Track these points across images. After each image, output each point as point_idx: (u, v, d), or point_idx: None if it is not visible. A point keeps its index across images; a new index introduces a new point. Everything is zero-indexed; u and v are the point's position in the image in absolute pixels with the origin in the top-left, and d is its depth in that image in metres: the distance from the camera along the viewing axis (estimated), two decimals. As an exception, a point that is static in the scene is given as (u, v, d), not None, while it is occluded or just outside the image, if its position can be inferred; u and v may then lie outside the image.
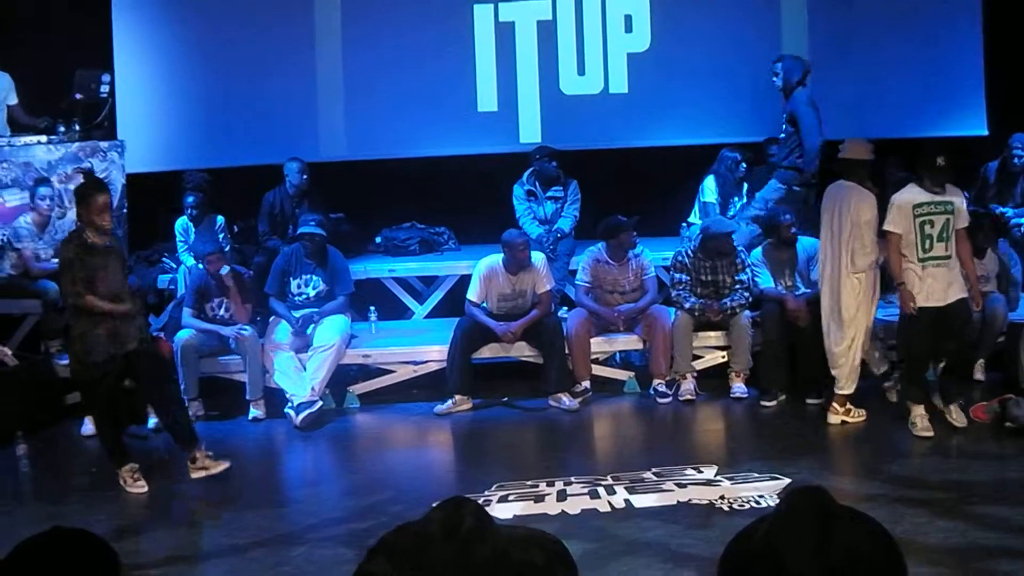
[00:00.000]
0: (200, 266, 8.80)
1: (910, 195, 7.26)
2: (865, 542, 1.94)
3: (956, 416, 7.36)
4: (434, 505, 2.38)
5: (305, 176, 9.55)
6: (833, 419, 7.69)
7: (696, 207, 9.67)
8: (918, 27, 10.55)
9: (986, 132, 10.32)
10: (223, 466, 7.01)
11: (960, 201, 7.33)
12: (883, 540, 1.97)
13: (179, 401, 7.41)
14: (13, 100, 9.49)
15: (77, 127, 9.25)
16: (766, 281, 8.55)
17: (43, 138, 9.16)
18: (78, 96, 9.29)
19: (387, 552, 2.25)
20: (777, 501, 6.03)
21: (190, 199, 9.38)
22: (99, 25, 10.16)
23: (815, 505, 1.94)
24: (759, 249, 8.71)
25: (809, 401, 8.14)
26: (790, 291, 8.50)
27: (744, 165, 9.61)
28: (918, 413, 7.33)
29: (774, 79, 9.10)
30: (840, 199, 7.59)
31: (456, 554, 2.07)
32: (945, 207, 7.21)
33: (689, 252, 8.71)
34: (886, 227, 7.30)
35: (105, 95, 9.46)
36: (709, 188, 9.61)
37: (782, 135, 9.14)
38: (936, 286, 7.20)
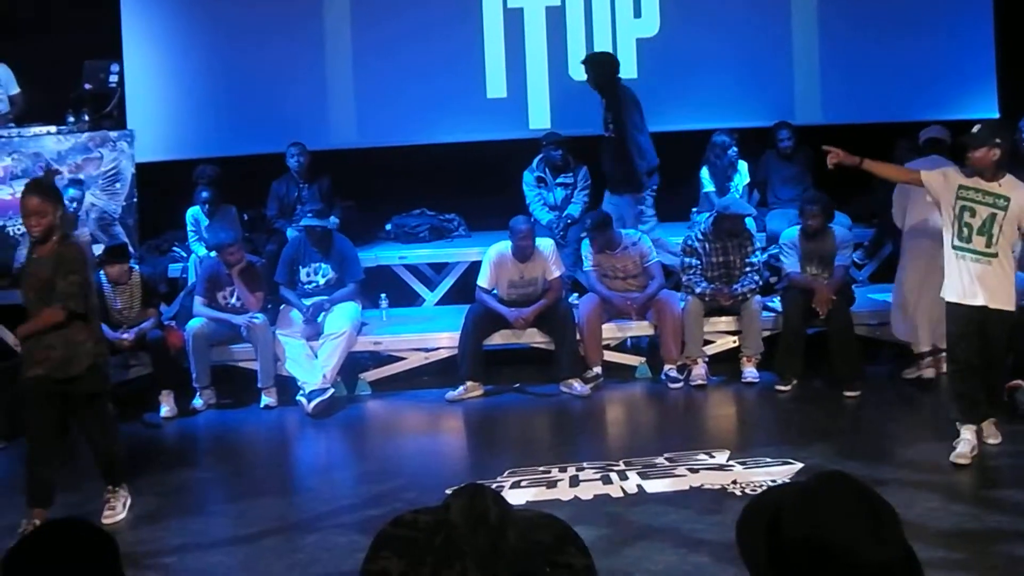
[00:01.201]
0: (213, 255, 8.81)
1: (961, 174, 6.47)
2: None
3: (989, 432, 6.67)
4: (448, 492, 2.39)
5: (295, 158, 9.65)
6: None
7: (700, 197, 9.66)
8: (929, 9, 10.51)
9: (997, 115, 10.27)
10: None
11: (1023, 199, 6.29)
12: None
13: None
14: (14, 90, 9.50)
15: (86, 117, 9.24)
16: (792, 265, 8.40)
17: (52, 128, 9.16)
18: (87, 86, 9.28)
19: (392, 547, 2.23)
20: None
21: (205, 194, 9.41)
22: (108, 15, 10.17)
23: (854, 489, 1.91)
24: (794, 229, 8.46)
25: (847, 394, 7.93)
26: (815, 279, 8.36)
27: (735, 148, 9.54)
28: (964, 436, 6.49)
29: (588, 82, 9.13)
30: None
31: (490, 544, 2.08)
32: (994, 200, 6.29)
33: (699, 236, 8.67)
34: (923, 173, 6.57)
35: (114, 85, 9.44)
36: (705, 178, 9.62)
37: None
38: (969, 283, 6.36)
